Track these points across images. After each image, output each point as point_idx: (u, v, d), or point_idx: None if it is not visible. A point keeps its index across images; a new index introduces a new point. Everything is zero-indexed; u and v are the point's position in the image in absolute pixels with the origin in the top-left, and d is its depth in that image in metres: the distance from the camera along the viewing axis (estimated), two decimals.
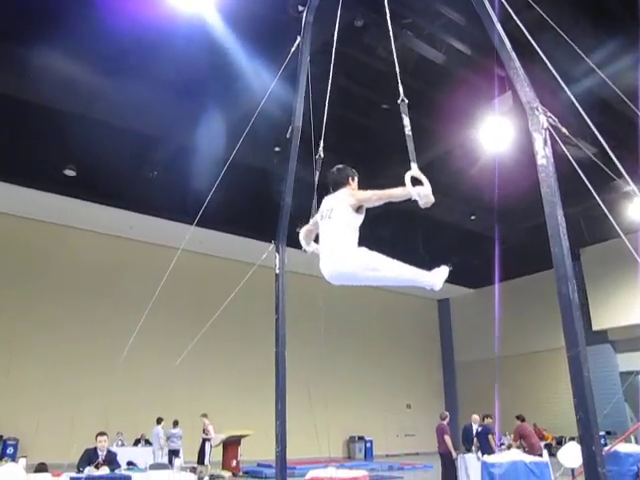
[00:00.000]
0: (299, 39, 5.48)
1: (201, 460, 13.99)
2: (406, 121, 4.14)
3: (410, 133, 4.14)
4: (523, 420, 11.14)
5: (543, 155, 2.99)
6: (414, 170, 3.70)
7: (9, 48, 12.64)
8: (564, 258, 2.78)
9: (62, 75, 13.05)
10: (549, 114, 3.08)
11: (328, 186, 4.08)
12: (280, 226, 5.14)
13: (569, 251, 2.81)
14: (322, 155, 4.99)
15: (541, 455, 9.93)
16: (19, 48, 12.62)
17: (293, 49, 5.50)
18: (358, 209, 3.73)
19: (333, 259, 3.64)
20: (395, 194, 3.61)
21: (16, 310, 17.49)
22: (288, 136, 5.17)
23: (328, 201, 3.91)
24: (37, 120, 14.41)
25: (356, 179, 4.07)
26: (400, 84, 4.40)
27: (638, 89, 13.09)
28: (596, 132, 3.48)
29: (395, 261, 3.70)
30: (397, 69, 4.65)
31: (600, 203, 3.37)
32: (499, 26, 3.54)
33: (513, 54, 3.34)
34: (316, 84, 5.99)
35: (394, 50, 4.98)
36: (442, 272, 3.99)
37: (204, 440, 14.18)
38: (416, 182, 3.68)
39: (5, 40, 12.47)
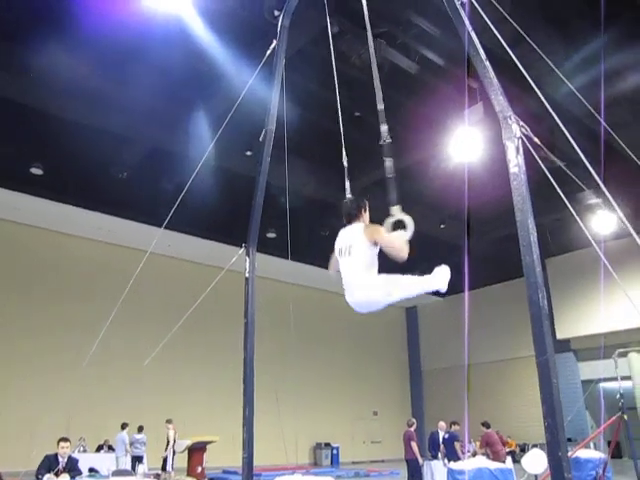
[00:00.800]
0: (275, 43, 5.48)
1: (164, 467, 13.76)
2: (388, 163, 4.20)
3: (392, 176, 4.20)
4: (488, 427, 11.24)
5: (515, 164, 3.03)
6: (397, 214, 3.98)
7: None
8: (534, 266, 2.81)
9: (34, 70, 12.80)
10: (521, 123, 3.11)
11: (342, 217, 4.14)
12: (251, 229, 5.10)
13: (540, 259, 2.85)
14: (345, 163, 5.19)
15: (504, 462, 10.05)
16: None
17: (269, 52, 5.48)
18: (374, 242, 3.83)
19: (357, 293, 3.87)
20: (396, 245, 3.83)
21: None
22: (261, 139, 5.14)
23: (345, 236, 3.98)
24: (3, 115, 14.06)
25: (367, 209, 4.13)
26: (384, 124, 4.39)
27: (601, 103, 13.45)
28: (572, 141, 3.54)
29: (404, 278, 3.86)
30: (380, 106, 4.64)
31: (573, 212, 3.45)
32: (474, 35, 3.57)
33: (487, 63, 3.39)
34: (291, 89, 5.99)
35: (375, 74, 4.95)
36: (444, 272, 4.00)
37: (167, 446, 13.95)
38: (397, 226, 3.91)
39: None
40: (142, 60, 12.82)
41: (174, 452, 13.95)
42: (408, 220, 3.91)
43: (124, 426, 14.62)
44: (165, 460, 13.76)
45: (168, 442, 13.90)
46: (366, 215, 4.08)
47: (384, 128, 4.26)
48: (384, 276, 3.82)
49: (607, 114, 14.01)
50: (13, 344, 17.25)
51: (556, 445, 2.47)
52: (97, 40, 11.94)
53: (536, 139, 3.10)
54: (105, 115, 14.42)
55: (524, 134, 3.11)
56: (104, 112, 14.33)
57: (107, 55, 12.64)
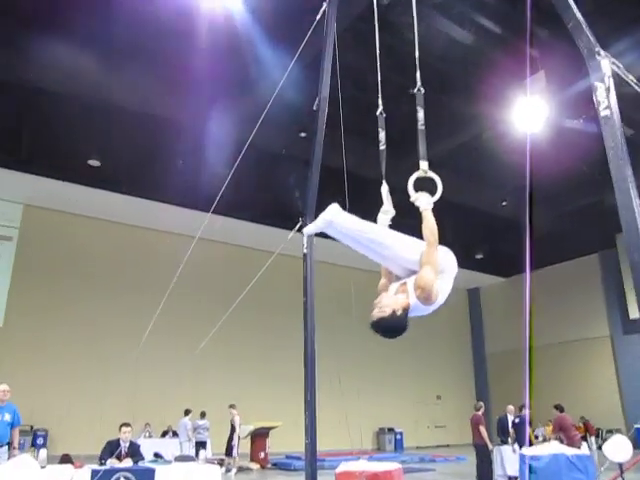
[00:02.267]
0: (325, 5, 5.15)
1: (229, 452, 13.81)
2: (420, 114, 3.81)
3: (423, 127, 3.80)
4: (562, 410, 10.63)
5: (606, 105, 2.61)
6: (423, 168, 3.54)
7: (37, 39, 12.53)
8: (636, 222, 2.40)
9: (81, 65, 12.94)
10: (613, 60, 2.69)
11: None
12: (308, 202, 4.82)
13: None
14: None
15: (579, 448, 9.48)
16: (45, 38, 12.55)
17: (319, 16, 5.17)
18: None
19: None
20: (431, 227, 3.31)
21: (44, 305, 17.53)
22: (315, 107, 4.84)
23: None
24: (60, 110, 14.30)
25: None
26: (418, 71, 4.11)
27: None
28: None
29: None
30: (417, 53, 4.33)
31: None
32: None
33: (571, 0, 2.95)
34: (341, 67, 5.65)
35: (416, 32, 4.60)
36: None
37: (232, 432, 13.99)
38: (423, 182, 3.47)
39: (33, 30, 12.37)
40: (188, 47, 12.75)
41: (238, 438, 13.99)
42: (437, 179, 3.49)
43: (187, 412, 14.76)
44: (230, 445, 13.81)
45: (233, 428, 13.94)
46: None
47: (418, 75, 3.89)
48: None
49: None
50: (78, 329, 17.80)
51: None
52: (147, 32, 11.95)
53: (631, 76, 2.67)
54: (156, 104, 14.47)
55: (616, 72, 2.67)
56: (154, 101, 14.38)
57: (153, 43, 12.62)
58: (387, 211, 3.70)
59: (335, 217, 3.05)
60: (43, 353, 17.10)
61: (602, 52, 2.67)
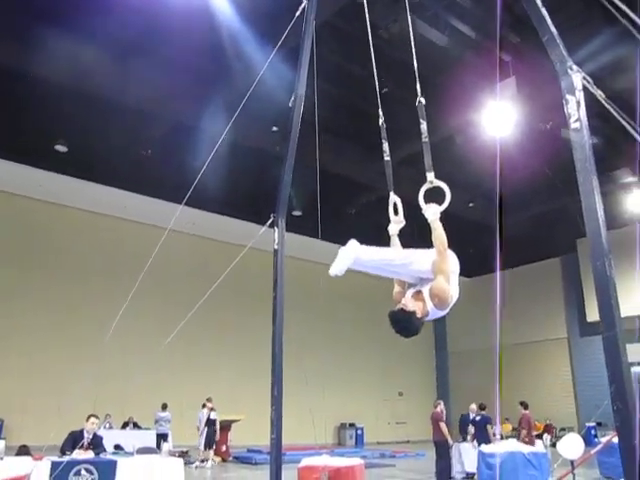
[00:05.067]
0: (305, 2, 5.16)
1: (210, 444, 13.80)
2: (424, 127, 3.87)
3: (427, 140, 3.86)
4: (527, 407, 10.96)
5: (576, 118, 2.71)
6: (433, 180, 3.69)
7: (9, 17, 12.24)
8: (600, 231, 2.50)
9: (56, 46, 12.64)
10: (583, 74, 2.78)
11: None
12: (280, 199, 4.84)
13: (605, 222, 2.53)
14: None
15: (534, 446, 9.75)
16: (18, 17, 12.26)
17: (298, 13, 5.17)
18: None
19: None
20: (440, 237, 3.56)
21: (2, 292, 17.09)
22: (291, 104, 4.85)
23: None
24: (27, 91, 13.96)
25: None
26: (418, 83, 4.11)
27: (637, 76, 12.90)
28: (619, 114, 3.18)
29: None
30: (415, 64, 4.33)
31: None
32: None
33: (546, 14, 3.03)
34: (318, 63, 5.67)
35: (412, 41, 4.65)
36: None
37: (208, 424, 13.94)
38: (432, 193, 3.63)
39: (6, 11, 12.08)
40: (165, 37, 12.61)
41: (208, 431, 13.91)
42: (445, 187, 3.60)
43: (204, 405, 14.44)
44: (208, 438, 13.78)
45: (208, 420, 13.92)
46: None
47: (418, 87, 3.93)
48: None
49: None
50: (38, 318, 17.39)
51: (628, 432, 2.18)
52: (120, 16, 11.75)
53: (599, 91, 2.77)
54: (129, 91, 14.27)
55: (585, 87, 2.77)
56: (128, 88, 14.17)
57: (130, 31, 12.42)
58: (399, 221, 3.97)
59: (358, 253, 3.23)
60: (0, 340, 16.70)
61: (574, 67, 2.76)
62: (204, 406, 14.28)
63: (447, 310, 3.43)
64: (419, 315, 3.28)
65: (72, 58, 13.02)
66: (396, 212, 4.00)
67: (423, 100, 4.03)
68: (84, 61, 13.18)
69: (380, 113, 4.40)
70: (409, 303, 3.30)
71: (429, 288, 3.31)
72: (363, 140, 16.28)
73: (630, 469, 2.16)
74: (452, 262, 3.51)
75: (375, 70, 5.01)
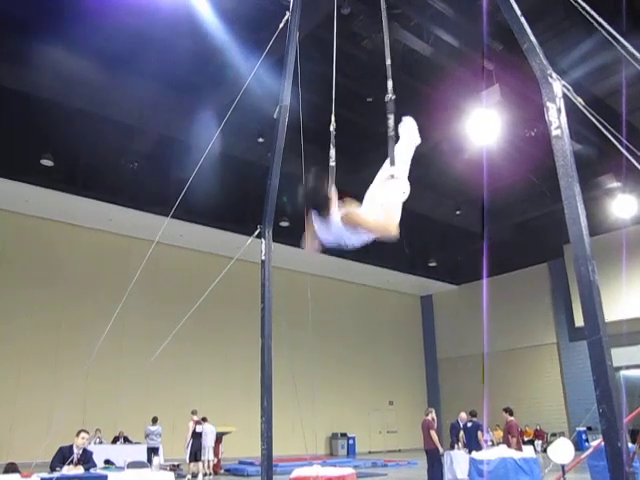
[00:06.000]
0: (288, 14, 5.21)
1: (197, 457, 13.68)
2: (391, 122, 3.91)
3: (393, 134, 3.92)
4: (512, 414, 11.00)
5: (557, 126, 2.75)
6: (391, 174, 3.72)
7: None
8: (583, 236, 2.53)
9: (41, 61, 12.63)
10: (563, 82, 2.83)
11: None
12: (266, 210, 4.86)
13: (587, 228, 2.57)
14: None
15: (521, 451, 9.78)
16: (4, 37, 12.27)
17: (282, 25, 5.22)
18: None
19: None
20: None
21: None
22: (275, 116, 4.88)
23: None
24: (13, 106, 13.93)
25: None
26: (390, 79, 4.19)
27: (623, 83, 13.09)
28: (599, 121, 3.23)
29: None
30: (388, 61, 4.41)
31: None
32: None
33: (523, 19, 3.09)
34: (302, 74, 5.72)
35: (386, 40, 4.68)
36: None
37: (194, 437, 13.82)
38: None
39: None
40: (150, 49, 12.62)
41: (194, 444, 13.79)
42: (405, 184, 3.62)
43: (205, 419, 14.36)
44: (194, 451, 13.66)
45: (194, 433, 13.81)
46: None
47: (390, 84, 3.97)
48: None
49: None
50: (26, 337, 17.15)
51: (614, 434, 2.21)
52: (104, 29, 11.77)
53: (579, 99, 2.81)
54: (114, 105, 14.28)
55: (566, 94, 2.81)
56: (113, 102, 14.18)
57: (115, 44, 12.43)
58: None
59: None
60: None
61: (554, 75, 2.81)
62: (204, 420, 14.26)
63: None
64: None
65: (57, 72, 13.02)
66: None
67: (393, 97, 4.03)
68: (69, 75, 13.17)
69: (332, 119, 4.46)
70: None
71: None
72: (349, 150, 16.35)
73: (616, 471, 2.19)
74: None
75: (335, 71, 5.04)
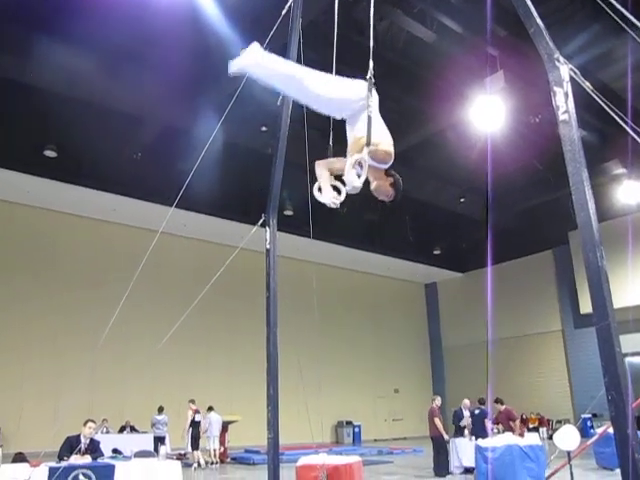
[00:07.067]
0: (290, 1, 5.15)
1: (195, 446, 13.78)
2: (370, 101, 3.68)
3: (371, 115, 3.72)
4: (503, 403, 11.06)
5: (565, 110, 2.72)
6: (364, 154, 3.22)
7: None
8: (591, 222, 2.50)
9: (44, 52, 12.58)
10: (570, 66, 2.79)
11: None
12: (271, 199, 4.83)
13: (595, 214, 2.54)
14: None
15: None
16: (5, 24, 12.20)
17: (284, 11, 5.16)
18: None
19: None
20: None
21: None
22: (279, 103, 4.84)
23: None
24: (16, 98, 13.89)
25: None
26: (371, 59, 4.05)
27: (628, 67, 12.97)
28: (607, 105, 3.19)
29: None
30: (371, 41, 4.25)
31: None
32: None
33: (532, 7, 3.04)
34: (305, 63, 5.65)
35: (371, 18, 4.56)
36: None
37: (193, 425, 13.92)
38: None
39: None
40: (151, 39, 12.53)
41: (193, 433, 13.89)
42: (363, 170, 3.39)
43: (211, 408, 14.50)
44: (194, 440, 13.76)
45: (192, 422, 13.89)
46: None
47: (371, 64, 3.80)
48: None
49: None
50: (31, 326, 17.26)
51: (622, 421, 2.19)
52: (108, 21, 11.69)
53: (587, 83, 2.77)
54: (117, 97, 14.21)
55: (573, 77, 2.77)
56: (116, 94, 14.12)
57: (118, 37, 12.34)
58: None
59: (260, 57, 3.18)
60: None
61: (561, 59, 2.77)
62: (210, 409, 14.37)
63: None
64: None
65: (61, 64, 12.95)
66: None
67: (373, 78, 3.84)
68: (73, 66, 13.10)
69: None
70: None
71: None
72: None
73: (625, 457, 2.17)
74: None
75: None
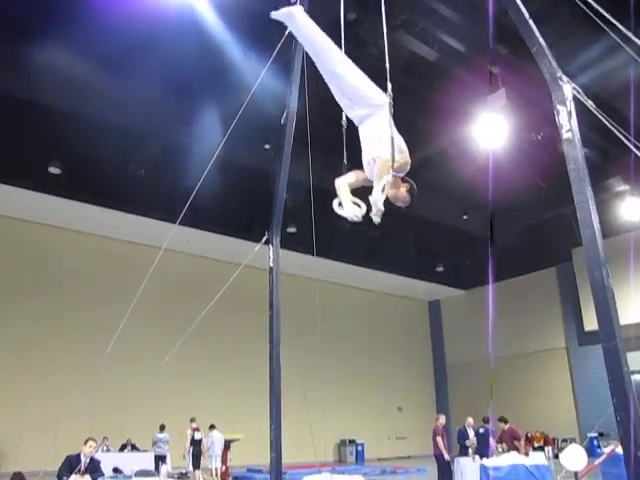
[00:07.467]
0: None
1: (196, 465, 13.64)
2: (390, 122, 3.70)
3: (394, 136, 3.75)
4: (507, 422, 10.94)
5: (568, 129, 2.72)
6: (389, 177, 3.38)
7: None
8: (596, 239, 2.49)
9: (47, 69, 12.70)
10: (573, 85, 2.80)
11: None
12: (274, 216, 4.83)
13: (600, 232, 2.53)
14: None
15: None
16: (9, 44, 12.34)
17: (288, 31, 5.18)
18: None
19: None
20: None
21: None
22: (283, 121, 4.86)
23: None
24: (20, 115, 13.99)
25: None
26: (389, 82, 4.07)
27: (631, 85, 13.03)
28: (610, 123, 3.19)
29: None
30: (387, 65, 4.27)
31: None
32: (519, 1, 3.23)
33: (531, 22, 3.06)
34: (307, 80, 5.69)
35: (385, 42, 4.57)
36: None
37: (194, 444, 13.79)
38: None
39: None
40: (155, 55, 12.64)
41: (194, 451, 13.76)
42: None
43: (213, 426, 14.39)
44: (195, 459, 13.62)
45: (193, 440, 13.77)
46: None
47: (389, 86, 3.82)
48: None
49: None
50: (34, 344, 17.18)
51: (632, 443, 2.16)
52: (110, 36, 11.78)
53: (590, 101, 2.78)
54: (121, 113, 14.31)
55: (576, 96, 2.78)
56: (119, 110, 14.21)
57: (121, 52, 12.46)
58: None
59: (300, 15, 3.42)
60: None
61: (564, 78, 2.78)
62: (212, 427, 14.25)
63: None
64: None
65: (65, 81, 13.07)
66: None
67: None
68: (76, 83, 13.22)
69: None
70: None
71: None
72: (356, 155, 16.32)
73: (635, 478, 2.14)
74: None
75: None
